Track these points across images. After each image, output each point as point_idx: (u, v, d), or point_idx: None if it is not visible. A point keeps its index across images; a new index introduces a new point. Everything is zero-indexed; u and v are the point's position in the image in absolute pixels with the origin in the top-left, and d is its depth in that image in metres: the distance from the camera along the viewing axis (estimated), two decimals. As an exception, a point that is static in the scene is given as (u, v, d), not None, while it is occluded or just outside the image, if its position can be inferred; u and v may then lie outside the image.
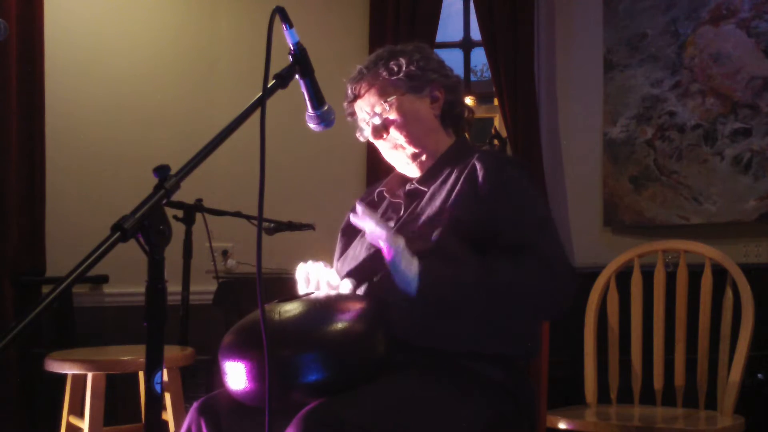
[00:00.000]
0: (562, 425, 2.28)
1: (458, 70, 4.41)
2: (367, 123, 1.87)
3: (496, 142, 4.07)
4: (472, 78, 4.73)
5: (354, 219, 1.68)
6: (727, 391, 2.34)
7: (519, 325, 1.75)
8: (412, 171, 1.89)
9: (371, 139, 1.88)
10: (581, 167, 4.14)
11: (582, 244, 4.10)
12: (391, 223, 1.81)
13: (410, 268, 1.58)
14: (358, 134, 1.91)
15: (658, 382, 2.51)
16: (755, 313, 2.35)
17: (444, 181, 1.78)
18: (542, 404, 1.88)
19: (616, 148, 4.01)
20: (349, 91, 1.89)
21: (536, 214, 1.71)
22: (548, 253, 1.64)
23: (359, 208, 1.65)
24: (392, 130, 1.84)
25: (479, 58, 4.60)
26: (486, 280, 1.59)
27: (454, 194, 1.72)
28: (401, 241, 1.60)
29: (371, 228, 1.61)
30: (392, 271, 1.60)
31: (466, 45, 4.51)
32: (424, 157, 1.86)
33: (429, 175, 1.84)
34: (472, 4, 4.21)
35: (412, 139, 1.84)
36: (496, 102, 4.27)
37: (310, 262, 1.76)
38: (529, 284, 1.61)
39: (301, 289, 1.76)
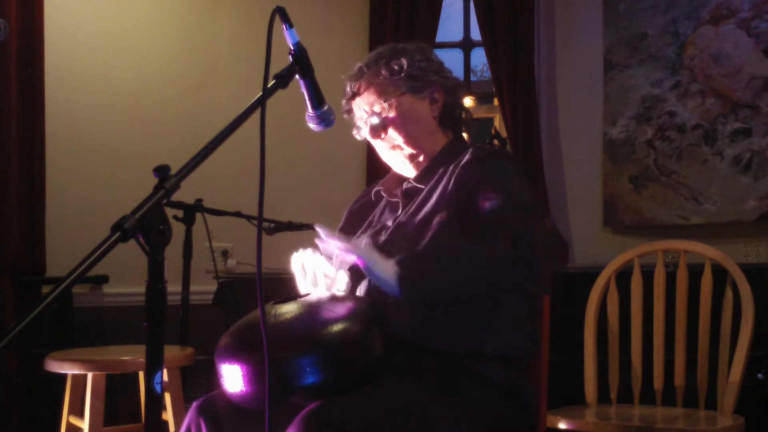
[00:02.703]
0: (562, 425, 2.28)
1: (458, 70, 4.45)
2: (365, 122, 1.86)
3: (496, 142, 4.06)
4: (472, 78, 4.72)
5: (318, 242, 1.67)
6: (727, 391, 2.34)
7: (520, 325, 1.75)
8: (409, 171, 1.89)
9: (369, 138, 1.88)
10: (581, 167, 4.14)
11: (582, 244, 4.10)
12: (389, 222, 1.81)
13: (387, 271, 1.58)
14: (354, 132, 1.90)
15: (658, 382, 2.51)
16: (755, 313, 2.35)
17: (439, 179, 1.78)
18: (542, 404, 1.88)
19: (616, 148, 4.01)
20: (348, 89, 1.88)
21: (514, 197, 1.69)
22: (522, 231, 1.63)
23: (319, 230, 1.64)
24: (391, 131, 1.84)
25: (479, 58, 4.59)
26: (457, 268, 1.60)
27: (448, 193, 1.72)
28: (369, 249, 1.62)
29: (336, 245, 1.62)
30: (373, 279, 1.61)
31: (466, 45, 4.51)
32: (421, 158, 1.86)
33: (425, 174, 1.84)
34: (472, 4, 4.21)
35: (410, 140, 1.84)
36: (496, 102, 4.27)
37: (301, 251, 1.75)
38: (505, 268, 1.62)
39: (299, 279, 1.75)
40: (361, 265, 1.60)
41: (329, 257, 1.78)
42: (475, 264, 1.61)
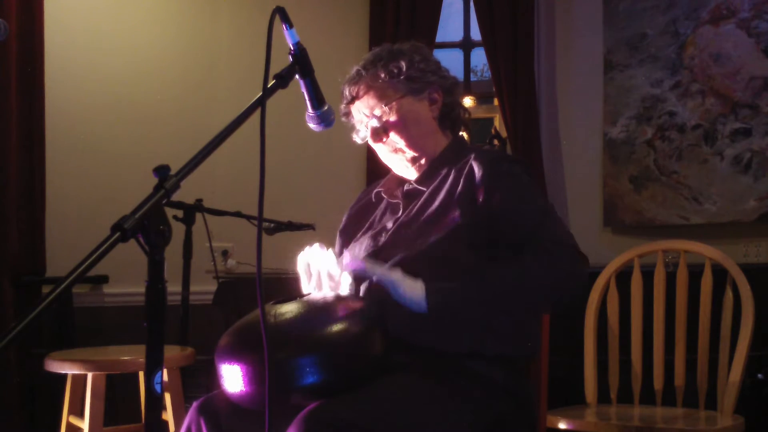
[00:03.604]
0: (562, 425, 2.28)
1: (458, 70, 4.45)
2: (366, 125, 1.85)
3: (496, 142, 4.07)
4: (472, 78, 4.73)
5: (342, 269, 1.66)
6: (727, 391, 2.34)
7: (521, 325, 1.75)
8: (411, 174, 1.88)
9: (370, 142, 1.87)
10: (581, 167, 4.14)
11: (582, 244, 3.99)
12: (390, 224, 1.81)
13: (415, 292, 1.59)
14: (354, 136, 1.89)
15: (658, 382, 2.51)
16: (755, 313, 2.35)
17: (442, 181, 1.78)
18: (542, 404, 1.88)
19: (616, 148, 4.01)
20: (347, 92, 1.87)
21: (535, 205, 1.71)
22: (549, 241, 1.64)
23: (345, 276, 1.64)
24: (392, 134, 1.83)
25: (479, 58, 4.59)
26: (491, 288, 1.60)
27: (455, 196, 1.72)
28: (395, 274, 1.62)
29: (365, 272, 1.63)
30: (400, 302, 1.60)
31: (466, 45, 4.51)
32: (423, 161, 1.85)
33: (427, 176, 1.83)
34: (472, 4, 4.21)
35: (412, 143, 1.83)
36: (496, 102, 4.27)
37: (308, 249, 1.73)
38: (533, 280, 1.62)
39: (303, 281, 1.74)
40: (388, 290, 1.61)
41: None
42: (492, 277, 1.62)
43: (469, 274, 1.62)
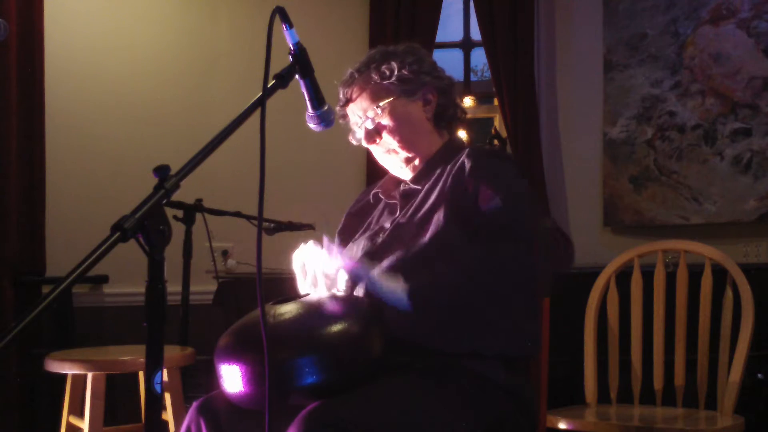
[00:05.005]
0: (562, 425, 2.28)
1: (458, 70, 4.45)
2: (360, 127, 1.86)
3: (496, 142, 4.06)
4: (472, 78, 4.73)
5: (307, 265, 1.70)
6: (727, 391, 2.34)
7: (520, 325, 1.75)
8: (406, 174, 1.89)
9: (364, 144, 1.88)
10: (581, 167, 4.14)
11: (582, 244, 4.06)
12: (388, 224, 1.81)
13: (395, 286, 1.63)
14: (350, 137, 1.91)
15: (658, 382, 2.51)
16: (755, 313, 2.35)
17: (437, 180, 1.78)
18: (542, 404, 1.88)
19: (616, 148, 4.01)
20: (341, 95, 1.89)
21: (514, 195, 1.69)
22: (525, 231, 1.65)
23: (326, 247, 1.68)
24: (385, 135, 1.84)
25: (479, 58, 4.60)
26: (459, 272, 1.63)
27: (447, 193, 1.72)
28: (368, 269, 1.67)
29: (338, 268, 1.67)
30: (380, 296, 1.65)
31: (466, 45, 4.51)
32: (417, 161, 1.86)
33: (422, 175, 1.84)
34: (472, 4, 4.21)
35: (405, 144, 1.84)
36: (496, 102, 4.27)
37: (302, 247, 1.75)
38: (507, 269, 1.64)
39: (299, 279, 1.75)
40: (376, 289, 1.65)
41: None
42: (476, 268, 1.61)
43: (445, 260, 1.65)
